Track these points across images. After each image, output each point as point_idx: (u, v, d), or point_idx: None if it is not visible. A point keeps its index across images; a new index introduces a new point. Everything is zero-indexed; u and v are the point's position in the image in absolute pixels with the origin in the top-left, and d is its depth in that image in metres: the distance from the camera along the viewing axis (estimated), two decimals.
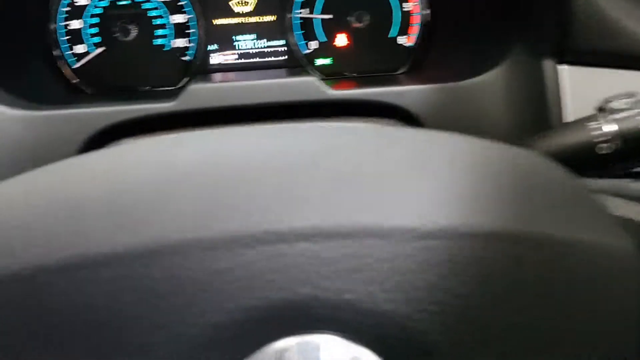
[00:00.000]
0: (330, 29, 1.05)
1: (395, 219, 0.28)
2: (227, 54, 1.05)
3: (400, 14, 1.05)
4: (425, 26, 1.05)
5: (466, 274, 0.26)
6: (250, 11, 1.04)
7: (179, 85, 1.04)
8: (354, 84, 0.96)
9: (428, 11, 1.04)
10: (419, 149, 0.35)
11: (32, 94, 0.86)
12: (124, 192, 0.29)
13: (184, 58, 1.03)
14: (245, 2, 1.03)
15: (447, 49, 1.02)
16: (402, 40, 1.06)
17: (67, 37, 0.99)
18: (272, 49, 1.06)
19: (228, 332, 0.24)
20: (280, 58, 1.07)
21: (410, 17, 1.05)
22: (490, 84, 0.87)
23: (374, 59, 1.07)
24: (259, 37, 1.05)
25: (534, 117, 0.84)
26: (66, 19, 0.99)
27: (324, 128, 0.40)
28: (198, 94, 0.85)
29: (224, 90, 0.86)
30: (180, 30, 1.02)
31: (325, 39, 1.06)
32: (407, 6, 1.04)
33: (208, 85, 0.86)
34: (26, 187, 0.31)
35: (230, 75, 1.03)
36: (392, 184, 0.30)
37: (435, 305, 0.26)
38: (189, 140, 0.38)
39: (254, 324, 0.25)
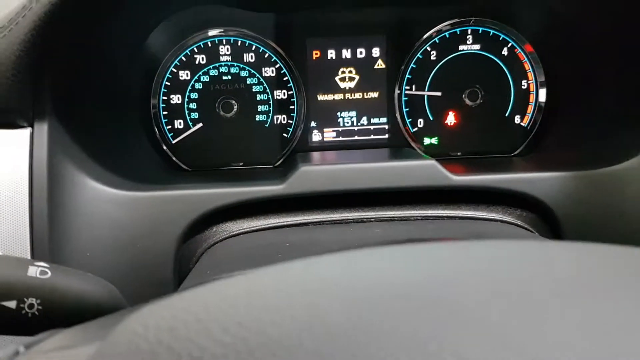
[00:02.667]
0: (439, 106, 0.98)
1: None
2: (328, 131, 0.99)
3: (517, 92, 0.97)
4: (542, 106, 0.97)
5: None
6: (354, 87, 0.98)
7: (277, 164, 0.98)
8: (467, 167, 0.88)
9: (544, 90, 0.97)
10: None
11: (130, 171, 0.81)
12: None
13: (284, 134, 0.98)
14: (351, 77, 0.98)
15: (569, 132, 0.94)
16: (517, 120, 0.98)
17: (166, 113, 0.96)
18: (374, 127, 1.00)
19: None
20: (382, 136, 1.00)
21: (529, 96, 0.97)
22: (635, 171, 0.78)
23: (486, 139, 0.99)
24: (361, 114, 0.99)
25: None
26: (166, 94, 0.95)
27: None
28: (307, 176, 0.78)
29: (336, 173, 0.78)
30: (282, 106, 0.97)
31: (432, 118, 0.99)
32: (525, 84, 0.97)
33: (318, 167, 0.79)
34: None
35: (332, 154, 0.97)
36: None
37: None
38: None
39: None
